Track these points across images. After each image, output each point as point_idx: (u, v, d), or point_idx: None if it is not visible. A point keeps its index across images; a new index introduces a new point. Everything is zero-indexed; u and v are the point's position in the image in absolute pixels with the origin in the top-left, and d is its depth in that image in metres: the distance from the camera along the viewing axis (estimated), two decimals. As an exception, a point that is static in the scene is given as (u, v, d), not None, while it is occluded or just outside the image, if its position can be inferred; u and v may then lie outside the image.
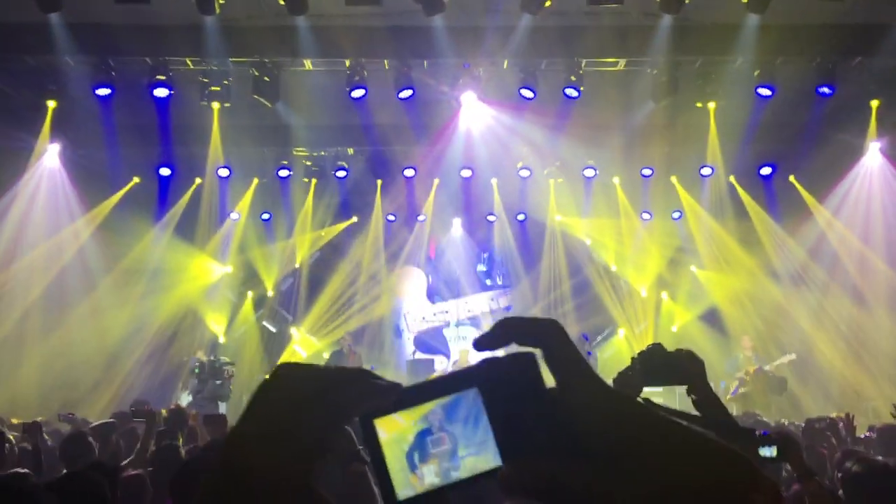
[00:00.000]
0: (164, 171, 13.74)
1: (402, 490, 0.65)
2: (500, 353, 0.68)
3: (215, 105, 12.13)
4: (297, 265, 15.89)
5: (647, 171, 14.35)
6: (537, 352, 0.65)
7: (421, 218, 15.72)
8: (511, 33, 10.80)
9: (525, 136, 13.29)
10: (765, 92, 11.56)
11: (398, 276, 16.14)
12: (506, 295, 16.26)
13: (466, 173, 14.39)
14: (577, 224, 15.91)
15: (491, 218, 15.88)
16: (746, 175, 14.38)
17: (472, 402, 0.65)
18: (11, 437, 5.77)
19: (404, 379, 10.70)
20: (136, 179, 13.96)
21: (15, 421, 8.83)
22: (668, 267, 15.80)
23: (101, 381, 13.03)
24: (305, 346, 15.51)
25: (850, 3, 9.66)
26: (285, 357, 15.27)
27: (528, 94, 11.53)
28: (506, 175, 14.85)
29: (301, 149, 14.23)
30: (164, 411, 6.96)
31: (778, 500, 0.67)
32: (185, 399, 12.39)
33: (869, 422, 9.36)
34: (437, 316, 16.09)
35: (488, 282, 16.38)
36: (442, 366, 15.09)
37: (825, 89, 11.48)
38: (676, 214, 15.41)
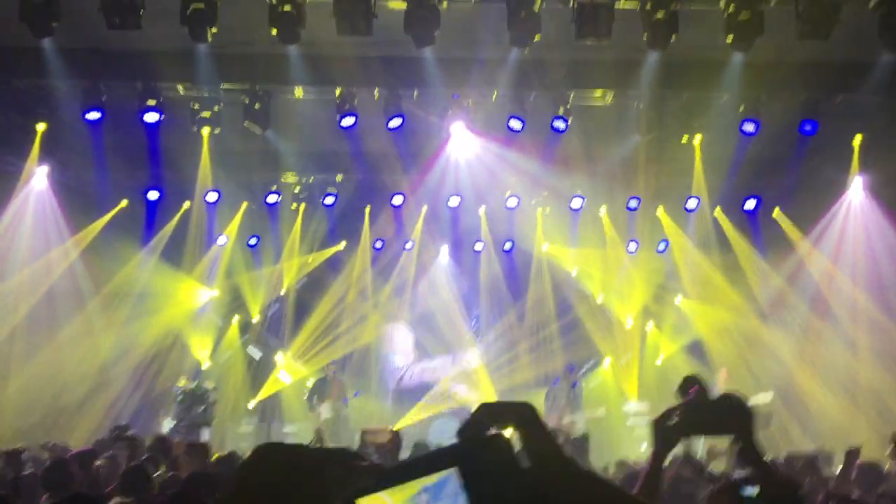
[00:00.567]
0: (153, 195, 13.73)
1: None
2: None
3: (205, 130, 12.18)
4: (283, 291, 15.85)
5: (633, 203, 14.48)
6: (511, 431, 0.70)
7: (408, 245, 15.75)
8: (500, 65, 10.95)
9: (513, 166, 13.40)
10: (749, 127, 11.74)
11: (384, 332, 16.08)
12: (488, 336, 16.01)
13: (454, 202, 14.47)
14: (564, 253, 15.98)
15: (478, 246, 15.93)
16: (731, 208, 14.53)
17: (452, 482, 0.69)
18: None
19: (388, 409, 10.67)
20: (124, 202, 13.92)
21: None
22: (653, 298, 15.87)
23: (84, 404, 12.93)
24: (290, 371, 15.44)
25: (832, 41, 9.85)
26: (270, 383, 15.20)
27: (516, 125, 11.65)
28: (493, 204, 14.94)
29: (290, 174, 14.29)
30: (147, 439, 6.92)
31: None
32: (167, 425, 12.29)
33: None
34: (425, 373, 15.92)
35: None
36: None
37: (808, 126, 11.68)
38: (662, 246, 15.52)
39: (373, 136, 12.15)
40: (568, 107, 11.72)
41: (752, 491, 3.18)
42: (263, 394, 15.12)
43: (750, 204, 14.41)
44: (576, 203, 14.60)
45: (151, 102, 11.39)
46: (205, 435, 11.96)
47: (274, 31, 9.89)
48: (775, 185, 13.74)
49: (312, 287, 15.97)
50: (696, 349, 15.20)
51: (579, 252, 15.89)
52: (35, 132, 11.96)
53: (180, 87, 11.73)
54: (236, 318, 15.82)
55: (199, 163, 12.97)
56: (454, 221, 15.40)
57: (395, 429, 10.27)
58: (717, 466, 6.48)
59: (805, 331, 14.24)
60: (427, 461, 0.71)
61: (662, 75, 11.00)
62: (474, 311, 16.12)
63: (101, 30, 9.71)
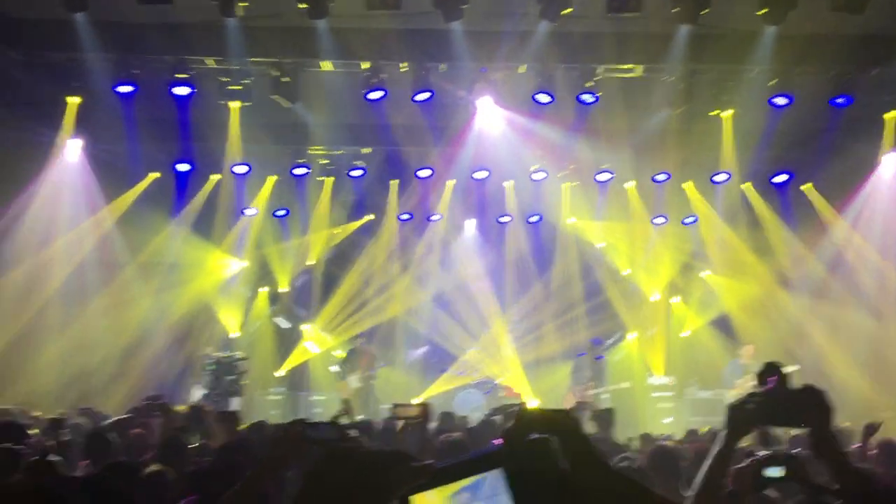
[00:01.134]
0: (183, 167, 13.89)
1: None
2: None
3: (234, 104, 12.28)
4: (311, 262, 16.03)
5: (661, 177, 14.40)
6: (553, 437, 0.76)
7: (435, 217, 15.81)
8: (529, 38, 10.89)
9: (540, 140, 13.36)
10: (781, 101, 11.61)
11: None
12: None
13: (481, 175, 14.48)
14: (591, 228, 15.97)
15: (504, 220, 15.96)
16: (760, 183, 14.42)
17: (496, 482, 0.76)
18: (33, 433, 5.93)
19: (414, 380, 10.78)
20: (155, 174, 14.11)
21: (37, 413, 9.01)
22: (680, 272, 15.85)
23: (117, 374, 13.22)
24: (318, 342, 15.66)
25: (866, 14, 9.68)
26: (297, 353, 15.43)
27: (544, 98, 11.60)
28: (520, 178, 14.92)
29: (318, 147, 14.35)
30: (182, 407, 7.09)
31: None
32: (197, 394, 12.54)
33: (882, 434, 9.39)
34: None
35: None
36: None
37: (840, 100, 11.52)
38: (690, 220, 15.45)
39: (400, 110, 12.18)
40: (596, 80, 11.64)
41: (775, 471, 3.21)
42: (291, 363, 15.37)
43: (780, 178, 14.27)
44: (603, 177, 14.55)
45: (181, 76, 11.49)
46: (235, 404, 12.21)
47: (303, 5, 9.92)
48: (806, 160, 13.59)
49: (340, 259, 16.12)
50: (722, 324, 15.18)
51: (606, 226, 15.87)
52: (67, 105, 12.13)
53: (210, 61, 11.80)
54: (265, 289, 16.04)
55: (227, 136, 13.08)
56: (481, 195, 15.43)
57: (423, 401, 10.39)
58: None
59: (833, 306, 14.14)
60: (475, 462, 0.78)
61: (693, 49, 10.89)
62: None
63: (133, 4, 9.84)
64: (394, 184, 15.25)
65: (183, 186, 14.22)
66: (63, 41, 10.92)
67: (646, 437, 8.36)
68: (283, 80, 11.56)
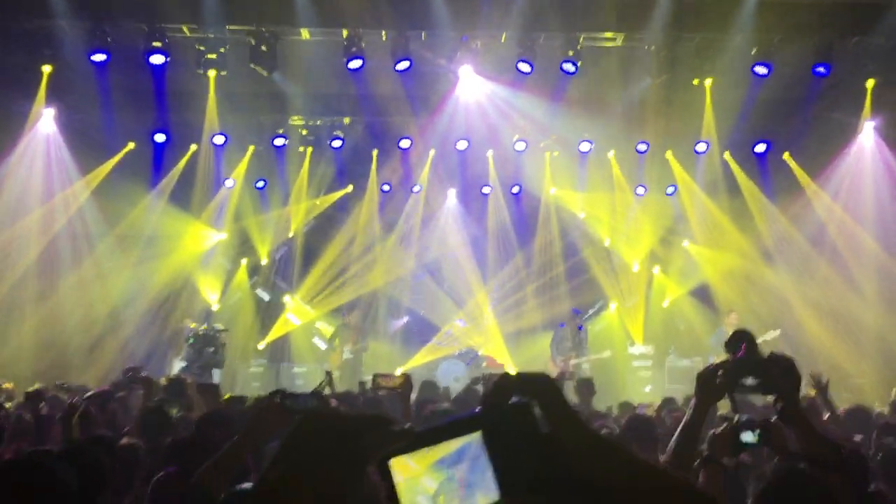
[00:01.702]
0: (160, 138, 13.71)
1: None
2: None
3: (211, 73, 12.10)
4: (291, 234, 15.95)
5: (642, 147, 14.40)
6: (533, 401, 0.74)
7: (416, 189, 15.76)
8: (510, 7, 10.79)
9: (521, 110, 13.30)
10: (761, 70, 11.59)
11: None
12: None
13: (462, 145, 14.41)
14: (572, 198, 15.99)
15: (486, 190, 15.93)
16: (741, 152, 14.46)
17: (476, 445, 0.74)
18: (7, 406, 5.88)
19: (396, 351, 10.79)
20: (130, 145, 13.91)
21: (7, 386, 8.94)
22: (660, 242, 15.93)
23: (97, 345, 13.14)
24: (299, 314, 15.63)
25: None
26: (279, 325, 15.40)
27: (525, 67, 11.52)
28: (501, 148, 14.87)
29: (297, 117, 14.21)
30: (163, 380, 7.05)
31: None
32: (178, 366, 12.50)
33: (853, 398, 9.55)
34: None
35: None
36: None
37: (821, 69, 11.52)
38: (671, 189, 15.49)
39: (380, 79, 12.04)
40: (578, 49, 11.56)
41: (750, 436, 3.24)
42: (273, 335, 15.35)
43: (760, 148, 14.32)
44: (584, 147, 14.53)
45: (157, 44, 11.27)
46: (216, 376, 12.18)
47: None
48: (786, 129, 13.63)
49: (320, 230, 16.05)
50: (702, 293, 15.31)
51: (587, 196, 15.89)
52: (41, 73, 11.90)
53: (185, 29, 11.60)
54: (245, 261, 15.96)
55: (205, 105, 12.90)
56: (462, 165, 15.37)
57: (404, 371, 10.42)
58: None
59: (812, 274, 14.29)
60: (454, 426, 0.76)
61: (674, 17, 10.82)
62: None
63: (106, -30, 9.62)
64: (374, 154, 15.15)
65: (160, 157, 14.06)
66: (35, 8, 10.71)
67: (624, 405, 8.43)
68: (261, 48, 11.38)
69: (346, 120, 14.39)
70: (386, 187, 15.76)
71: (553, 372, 12.22)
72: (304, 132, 14.70)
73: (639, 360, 14.73)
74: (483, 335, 15.11)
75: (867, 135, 13.57)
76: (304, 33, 11.63)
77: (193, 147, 14.18)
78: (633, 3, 10.93)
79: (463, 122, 13.62)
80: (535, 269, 15.98)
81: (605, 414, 7.70)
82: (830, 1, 10.75)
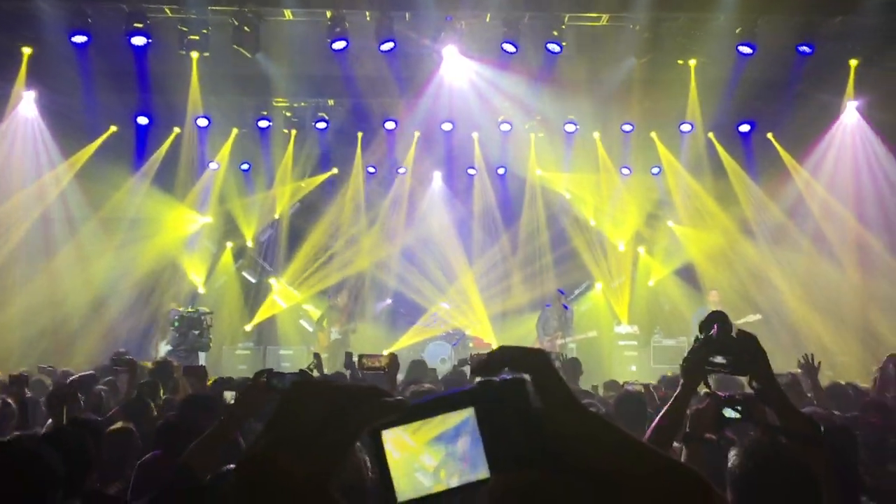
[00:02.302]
0: (142, 120, 13.59)
1: (402, 493, 0.75)
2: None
3: (194, 54, 11.99)
4: (276, 216, 15.90)
5: (627, 127, 14.41)
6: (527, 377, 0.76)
7: (401, 170, 15.72)
8: (494, -14, 10.73)
9: (506, 91, 13.27)
10: (746, 50, 11.60)
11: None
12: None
13: (447, 127, 14.37)
14: (558, 179, 16.00)
15: (471, 171, 15.91)
16: (725, 132, 14.49)
17: (468, 420, 0.75)
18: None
19: (385, 329, 10.79)
20: (113, 128, 13.78)
21: (-5, 370, 8.88)
22: (645, 222, 15.99)
23: (82, 329, 13.09)
24: (285, 297, 15.61)
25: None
26: (265, 307, 15.39)
27: (509, 48, 11.48)
28: (487, 129, 14.84)
29: (281, 99, 14.12)
30: (149, 364, 7.04)
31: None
32: (163, 349, 12.47)
33: (836, 376, 9.67)
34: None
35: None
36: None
37: (805, 48, 11.54)
38: (656, 170, 15.53)
39: (365, 60, 11.97)
40: (563, 29, 11.53)
41: (731, 412, 3.27)
42: (259, 318, 15.33)
43: (744, 128, 14.35)
44: (569, 128, 14.52)
45: (138, 25, 11.14)
46: (201, 359, 12.17)
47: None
48: (770, 109, 13.66)
49: (305, 213, 16.01)
50: (686, 273, 15.39)
51: (572, 177, 15.90)
52: (21, 55, 11.75)
53: (167, 10, 11.47)
54: (230, 244, 15.90)
55: (188, 87, 12.79)
56: (447, 147, 15.34)
57: (390, 352, 10.42)
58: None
59: (794, 253, 14.40)
60: (448, 400, 0.77)
61: (659, -3, 10.82)
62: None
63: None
64: (359, 136, 15.08)
65: (143, 140, 13.94)
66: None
67: (610, 384, 8.49)
68: (244, 29, 11.28)
69: (331, 101, 14.31)
70: (371, 169, 15.71)
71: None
72: (289, 114, 14.63)
73: (624, 340, 14.82)
74: (469, 316, 15.15)
75: (850, 114, 13.64)
76: (288, 14, 11.54)
77: (177, 129, 14.07)
78: (618, -18, 10.90)
79: (447, 104, 13.58)
80: (521, 250, 16.01)
81: (591, 393, 7.75)
82: (814, -20, 10.76)
